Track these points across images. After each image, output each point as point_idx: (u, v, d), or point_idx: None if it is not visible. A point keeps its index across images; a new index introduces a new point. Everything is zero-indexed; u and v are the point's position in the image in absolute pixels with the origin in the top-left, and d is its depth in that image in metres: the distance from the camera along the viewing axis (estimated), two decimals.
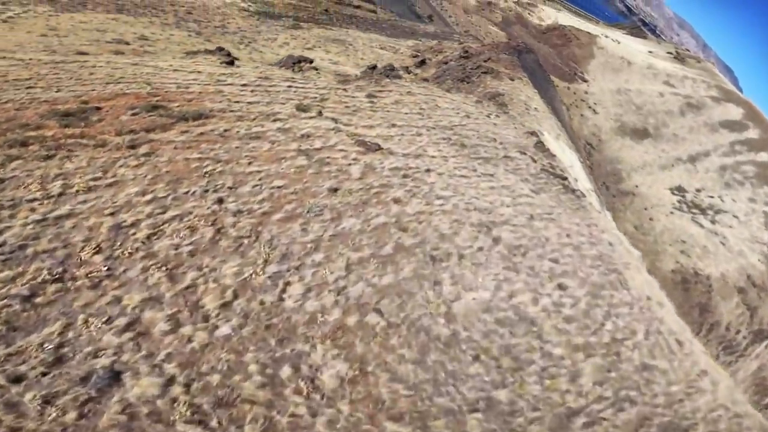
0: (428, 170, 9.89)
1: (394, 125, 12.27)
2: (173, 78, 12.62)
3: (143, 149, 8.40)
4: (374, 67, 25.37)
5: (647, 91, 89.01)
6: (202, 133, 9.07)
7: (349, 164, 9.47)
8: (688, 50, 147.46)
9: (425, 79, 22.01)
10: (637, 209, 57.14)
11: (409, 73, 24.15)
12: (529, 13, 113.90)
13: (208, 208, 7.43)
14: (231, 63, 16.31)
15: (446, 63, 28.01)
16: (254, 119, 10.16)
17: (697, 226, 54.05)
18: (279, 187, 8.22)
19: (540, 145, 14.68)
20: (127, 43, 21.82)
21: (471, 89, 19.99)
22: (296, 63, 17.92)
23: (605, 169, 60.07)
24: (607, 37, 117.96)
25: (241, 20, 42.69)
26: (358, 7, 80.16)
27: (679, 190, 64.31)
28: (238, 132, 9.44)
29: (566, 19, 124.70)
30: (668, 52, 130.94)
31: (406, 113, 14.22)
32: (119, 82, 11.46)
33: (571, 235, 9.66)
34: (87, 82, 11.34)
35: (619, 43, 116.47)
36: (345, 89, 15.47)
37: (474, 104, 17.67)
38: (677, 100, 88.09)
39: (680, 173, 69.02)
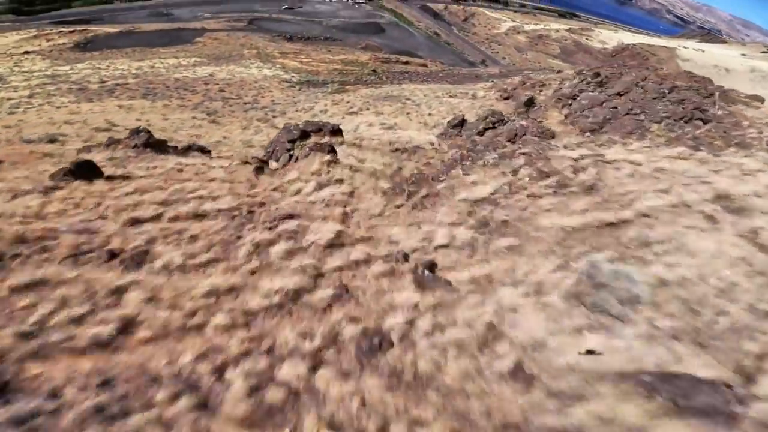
0: None
1: None
2: None
3: None
4: (462, 122, 13.59)
5: (764, 96, 68.63)
6: None
7: None
8: None
9: (590, 131, 9.75)
10: None
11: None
12: (587, 39, 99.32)
13: None
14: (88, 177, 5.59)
15: (574, 97, 15.64)
16: None
17: None
18: None
19: None
20: (53, 141, 12.78)
21: (744, 141, 7.36)
22: (295, 141, 6.82)
23: None
24: (686, 48, 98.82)
25: (278, 92, 34.53)
26: (407, 63, 71.90)
27: None
28: None
29: (629, 37, 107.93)
30: (762, 52, 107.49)
31: None
32: None
33: None
34: None
35: (703, 51, 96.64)
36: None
37: None
38: None
39: None
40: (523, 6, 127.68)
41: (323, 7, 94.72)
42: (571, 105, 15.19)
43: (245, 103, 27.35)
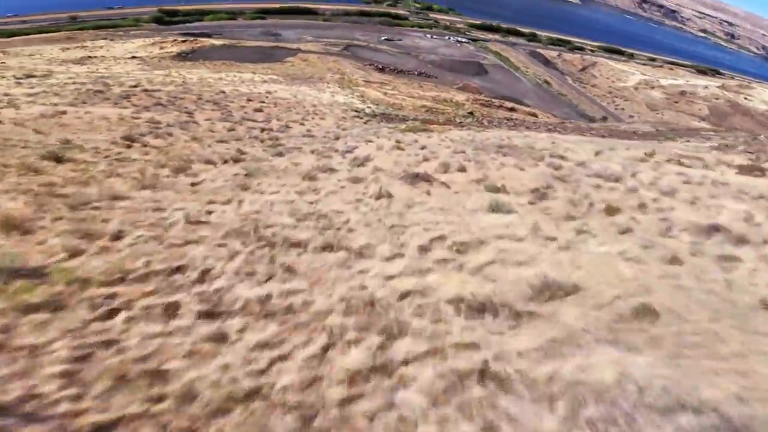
0: None
1: None
2: None
3: None
4: None
5: None
6: None
7: None
8: None
9: None
10: None
11: None
12: (745, 98, 76.13)
13: None
14: None
15: None
16: None
17: None
18: None
19: None
20: None
21: None
22: None
23: None
24: None
25: (331, 120, 23.70)
26: (512, 109, 58.04)
27: None
28: None
29: None
30: None
31: None
32: None
33: None
34: None
35: None
36: None
37: None
38: None
39: None
40: (653, 60, 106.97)
41: (423, 42, 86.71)
42: None
43: (263, 130, 16.44)
